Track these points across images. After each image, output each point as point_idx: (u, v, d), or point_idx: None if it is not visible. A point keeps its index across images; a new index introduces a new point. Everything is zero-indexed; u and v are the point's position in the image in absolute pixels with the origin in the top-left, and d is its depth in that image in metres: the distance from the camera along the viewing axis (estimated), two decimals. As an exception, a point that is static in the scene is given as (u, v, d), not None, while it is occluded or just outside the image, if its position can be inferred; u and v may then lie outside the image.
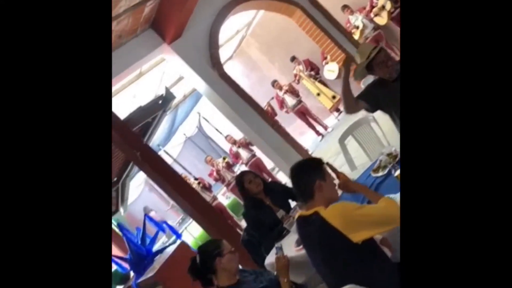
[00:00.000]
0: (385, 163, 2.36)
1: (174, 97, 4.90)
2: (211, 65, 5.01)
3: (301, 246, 2.29)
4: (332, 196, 1.80)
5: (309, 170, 1.78)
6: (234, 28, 8.45)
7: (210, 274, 2.09)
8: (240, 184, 3.05)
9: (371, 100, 2.53)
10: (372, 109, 2.59)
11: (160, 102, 4.59)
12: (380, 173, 2.36)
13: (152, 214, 9.77)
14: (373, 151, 3.21)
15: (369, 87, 2.62)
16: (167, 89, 4.82)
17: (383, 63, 2.42)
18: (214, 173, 8.00)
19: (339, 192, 1.98)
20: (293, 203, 3.13)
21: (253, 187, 3.00)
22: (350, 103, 2.51)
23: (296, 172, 1.82)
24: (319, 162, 1.83)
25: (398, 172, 1.92)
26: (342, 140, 3.40)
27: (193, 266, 2.12)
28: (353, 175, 2.65)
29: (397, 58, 6.44)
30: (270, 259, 2.60)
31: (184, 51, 4.90)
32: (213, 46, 5.08)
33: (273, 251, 2.53)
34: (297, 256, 2.25)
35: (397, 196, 1.91)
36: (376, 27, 6.81)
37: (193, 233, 8.89)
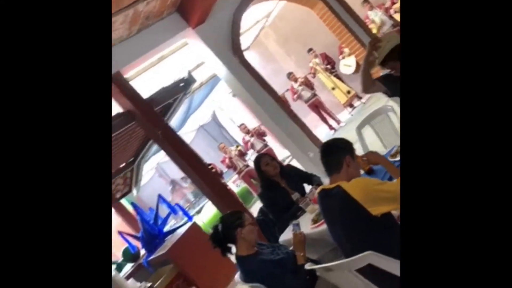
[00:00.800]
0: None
1: (195, 81, 5.01)
2: (232, 52, 5.11)
3: (316, 224, 2.38)
4: (356, 174, 1.90)
5: (342, 145, 1.91)
6: (253, 18, 8.52)
7: (230, 243, 2.19)
8: (258, 166, 3.16)
9: (391, 83, 2.61)
10: (390, 93, 2.67)
11: (182, 84, 4.71)
12: (398, 157, 2.44)
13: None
14: (389, 141, 3.29)
15: (385, 82, 2.68)
16: (189, 72, 4.93)
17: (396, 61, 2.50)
18: (227, 160, 8.13)
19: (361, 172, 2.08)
20: (307, 188, 3.24)
21: (270, 169, 3.10)
22: (367, 83, 2.59)
23: (330, 144, 1.95)
24: (351, 143, 1.96)
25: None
26: (359, 128, 3.47)
27: (215, 234, 2.20)
28: (370, 161, 2.73)
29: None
30: (285, 236, 2.70)
31: (207, 36, 4.99)
32: (235, 33, 5.17)
33: (289, 228, 2.61)
34: (313, 233, 2.34)
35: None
36: (395, 24, 6.84)
37: (203, 219, 9.05)
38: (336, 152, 1.87)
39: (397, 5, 6.51)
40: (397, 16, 6.68)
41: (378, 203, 1.67)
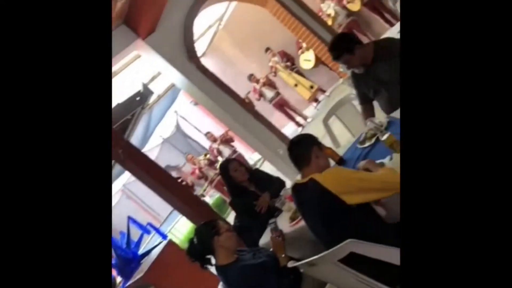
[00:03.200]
0: (371, 134, 2.39)
1: (152, 92, 4.84)
2: (187, 59, 4.97)
3: (294, 222, 2.35)
4: (326, 165, 1.91)
5: (308, 139, 1.93)
6: (205, 23, 8.40)
7: (208, 254, 2.11)
8: (225, 172, 3.03)
9: (363, 98, 2.79)
10: (369, 102, 2.81)
11: (138, 98, 4.52)
12: (367, 144, 2.40)
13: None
14: (356, 129, 3.26)
15: (356, 89, 2.84)
16: (144, 85, 4.74)
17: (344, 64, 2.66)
18: (197, 171, 7.96)
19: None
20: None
21: (239, 175, 2.98)
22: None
23: (295, 140, 1.96)
24: (315, 136, 1.98)
25: (386, 136, 1.95)
26: (326, 120, 3.44)
27: (191, 247, 2.12)
28: (339, 152, 2.69)
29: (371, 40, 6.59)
30: (265, 239, 2.62)
31: (160, 46, 4.83)
32: (188, 39, 5.04)
33: (267, 231, 2.55)
34: (292, 232, 2.29)
35: (386, 160, 1.95)
36: (349, 13, 6.91)
37: (177, 235, 8.81)
38: (302, 146, 1.88)
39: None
40: (351, 6, 6.75)
41: (353, 192, 1.66)
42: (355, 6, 6.69)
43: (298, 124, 8.00)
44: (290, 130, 8.25)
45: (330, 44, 2.71)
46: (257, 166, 8.56)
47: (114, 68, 5.65)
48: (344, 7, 6.82)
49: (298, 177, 1.92)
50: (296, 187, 1.87)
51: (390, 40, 3.02)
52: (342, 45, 2.59)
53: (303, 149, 1.86)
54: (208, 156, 8.06)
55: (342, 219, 1.68)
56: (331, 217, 1.71)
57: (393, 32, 4.49)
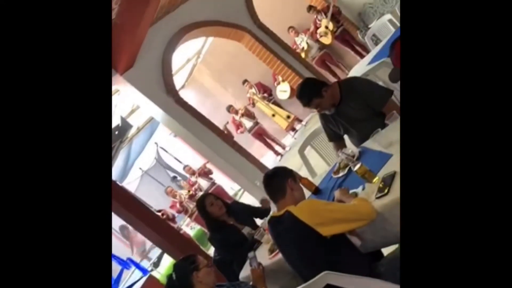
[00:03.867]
0: (344, 164, 2.47)
1: (131, 126, 4.84)
2: (166, 92, 5.04)
3: (273, 254, 2.33)
4: (301, 197, 1.93)
5: (282, 171, 1.96)
6: (184, 57, 8.56)
7: None
8: (202, 208, 3.00)
9: (332, 136, 2.90)
10: (338, 139, 2.90)
11: (117, 132, 4.52)
12: (341, 174, 2.45)
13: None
14: (331, 158, 3.33)
15: (325, 128, 2.93)
16: (123, 119, 4.76)
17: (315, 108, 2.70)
18: (177, 205, 7.85)
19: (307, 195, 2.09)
20: (258, 221, 3.16)
21: (215, 210, 2.97)
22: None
23: (270, 173, 1.99)
24: (289, 168, 2.02)
25: (357, 166, 2.02)
26: (301, 151, 3.50)
27: (170, 283, 2.09)
28: (315, 181, 2.75)
29: (345, 74, 6.83)
30: (245, 272, 2.60)
31: (138, 81, 4.89)
32: (166, 73, 5.13)
33: (247, 264, 2.54)
34: (271, 264, 2.28)
35: (359, 190, 2.02)
36: (321, 47, 7.18)
37: (160, 270, 8.55)
38: (276, 179, 1.91)
39: (321, 29, 6.84)
40: (323, 40, 7.01)
41: (328, 224, 1.68)
42: (327, 40, 6.96)
43: (277, 153, 8.09)
44: (269, 159, 8.32)
45: (297, 92, 2.73)
46: (238, 196, 8.53)
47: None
48: (317, 41, 7.08)
49: (274, 209, 1.94)
50: (272, 220, 1.89)
51: (353, 79, 3.15)
52: (309, 91, 2.64)
53: (278, 182, 1.89)
54: (190, 192, 7.99)
55: (318, 251, 1.69)
56: (307, 249, 1.73)
57: (364, 63, 4.68)
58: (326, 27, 6.74)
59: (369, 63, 4.14)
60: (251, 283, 2.22)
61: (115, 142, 4.51)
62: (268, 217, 1.94)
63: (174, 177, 9.48)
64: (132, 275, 7.49)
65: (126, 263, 5.69)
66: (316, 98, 2.60)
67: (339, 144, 2.87)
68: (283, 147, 8.14)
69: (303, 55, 6.99)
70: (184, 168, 8.24)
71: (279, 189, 1.87)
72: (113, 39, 4.49)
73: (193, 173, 8.07)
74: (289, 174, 1.93)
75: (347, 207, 1.76)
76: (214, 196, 3.11)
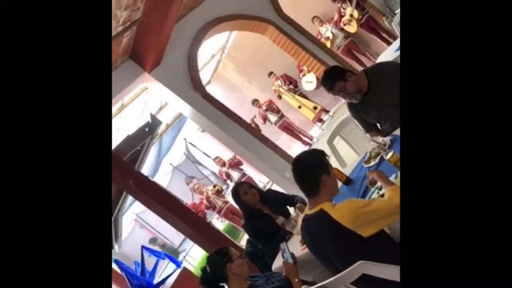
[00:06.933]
0: (375, 153, 2.43)
1: (160, 122, 4.94)
2: (193, 88, 5.10)
3: (305, 245, 2.30)
4: (334, 190, 1.85)
5: (314, 164, 1.80)
6: (209, 53, 8.63)
7: (222, 282, 2.11)
8: (236, 196, 3.06)
9: (367, 127, 2.82)
10: (374, 129, 2.81)
11: (147, 129, 4.62)
12: (372, 163, 2.43)
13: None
14: (361, 147, 3.29)
15: (357, 120, 2.89)
16: (153, 115, 4.86)
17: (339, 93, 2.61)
18: (205, 201, 7.95)
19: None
20: (291, 209, 3.17)
21: (249, 198, 3.01)
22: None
23: (302, 163, 1.84)
24: (322, 154, 1.84)
25: (390, 154, 2.00)
26: (330, 141, 3.47)
27: (205, 276, 2.13)
28: (345, 171, 2.72)
29: (372, 61, 6.69)
30: (277, 263, 2.62)
31: (165, 77, 4.98)
32: (193, 69, 5.19)
33: (280, 255, 2.55)
34: (304, 255, 2.27)
35: (392, 178, 1.99)
36: (347, 35, 7.05)
37: (192, 262, 8.72)
38: (310, 173, 1.78)
39: (346, 17, 6.73)
40: (348, 28, 6.89)
41: (369, 225, 1.64)
42: (352, 28, 6.82)
43: (305, 143, 8.05)
44: (298, 150, 8.28)
45: (321, 78, 2.69)
46: (267, 188, 8.55)
47: (123, 101, 5.80)
48: (342, 29, 6.96)
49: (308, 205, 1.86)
50: (305, 219, 1.83)
51: (380, 64, 3.07)
52: (333, 75, 2.60)
53: (311, 177, 1.77)
54: (217, 187, 8.05)
55: (358, 250, 1.64)
56: (347, 249, 1.68)
57: (392, 49, 4.57)
58: (351, 15, 6.61)
59: (397, 50, 4.04)
60: (284, 273, 2.22)
61: (146, 139, 4.62)
62: (302, 215, 1.87)
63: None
64: (166, 268, 7.70)
65: (160, 254, 5.84)
66: (339, 80, 2.54)
67: (377, 134, 2.78)
68: (311, 139, 8.09)
69: (328, 44, 6.89)
70: (214, 159, 8.32)
71: (311, 185, 1.77)
72: (140, 38, 4.62)
73: (223, 164, 8.14)
74: (323, 167, 1.78)
75: (385, 204, 1.68)
76: (248, 184, 3.14)
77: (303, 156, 1.89)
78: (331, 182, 1.80)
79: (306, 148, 7.96)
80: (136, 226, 11.92)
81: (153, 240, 9.84)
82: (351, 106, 2.77)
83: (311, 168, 1.78)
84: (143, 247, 5.65)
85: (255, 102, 8.04)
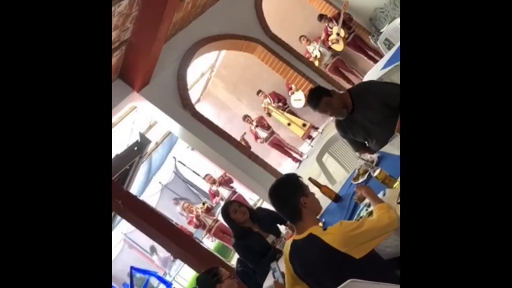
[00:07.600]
0: (364, 169, 2.45)
1: (149, 141, 4.92)
2: (182, 107, 5.12)
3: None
4: (317, 209, 1.86)
5: (289, 191, 1.80)
6: (198, 71, 8.70)
7: None
8: (226, 215, 3.04)
9: (356, 146, 2.88)
10: (362, 147, 2.86)
11: (136, 148, 4.60)
12: (361, 180, 2.44)
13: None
14: (350, 164, 3.32)
15: (346, 139, 2.94)
16: (142, 134, 4.85)
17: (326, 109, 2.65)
18: (194, 220, 7.86)
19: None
20: (281, 227, 3.15)
21: (239, 216, 2.99)
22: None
23: (276, 196, 1.83)
24: (294, 177, 1.85)
25: (377, 172, 2.01)
26: (319, 158, 3.49)
27: None
28: (335, 188, 2.73)
29: (359, 79, 6.80)
30: (268, 282, 2.60)
31: (154, 96, 4.99)
32: (182, 88, 5.21)
33: (270, 274, 2.53)
34: None
35: (379, 195, 2.00)
36: (334, 54, 7.18)
37: (182, 282, 8.56)
38: (287, 202, 1.78)
39: (333, 36, 6.86)
40: (335, 46, 7.02)
41: (361, 247, 1.65)
42: (339, 47, 6.95)
43: (296, 160, 8.08)
44: (287, 168, 8.31)
45: (307, 97, 2.74)
46: (258, 205, 8.51)
47: (112, 120, 5.78)
48: (329, 48, 7.09)
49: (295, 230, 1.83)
50: (294, 244, 1.81)
51: (363, 84, 3.14)
52: (318, 92, 2.66)
53: (289, 205, 1.77)
54: (206, 204, 7.99)
55: (349, 270, 1.63)
56: (338, 271, 1.67)
57: (378, 67, 4.66)
58: (338, 34, 6.75)
59: (383, 68, 4.13)
60: (274, 294, 2.20)
61: (135, 158, 4.59)
62: (290, 241, 1.85)
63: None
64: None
65: (150, 273, 5.74)
66: (325, 95, 2.59)
67: (365, 152, 2.82)
68: (301, 155, 8.13)
69: (316, 63, 7.00)
70: (204, 177, 8.28)
71: (292, 212, 1.76)
72: (129, 58, 4.64)
73: (213, 182, 8.10)
74: (298, 190, 1.78)
75: (376, 224, 1.68)
76: (237, 203, 3.12)
77: (276, 186, 1.86)
78: (310, 202, 1.79)
79: (296, 165, 7.98)
80: (125, 247, 11.70)
81: (153, 249, 9.62)
82: (339, 127, 2.82)
83: (288, 196, 1.78)
84: (132, 268, 5.55)
85: (246, 117, 8.09)
